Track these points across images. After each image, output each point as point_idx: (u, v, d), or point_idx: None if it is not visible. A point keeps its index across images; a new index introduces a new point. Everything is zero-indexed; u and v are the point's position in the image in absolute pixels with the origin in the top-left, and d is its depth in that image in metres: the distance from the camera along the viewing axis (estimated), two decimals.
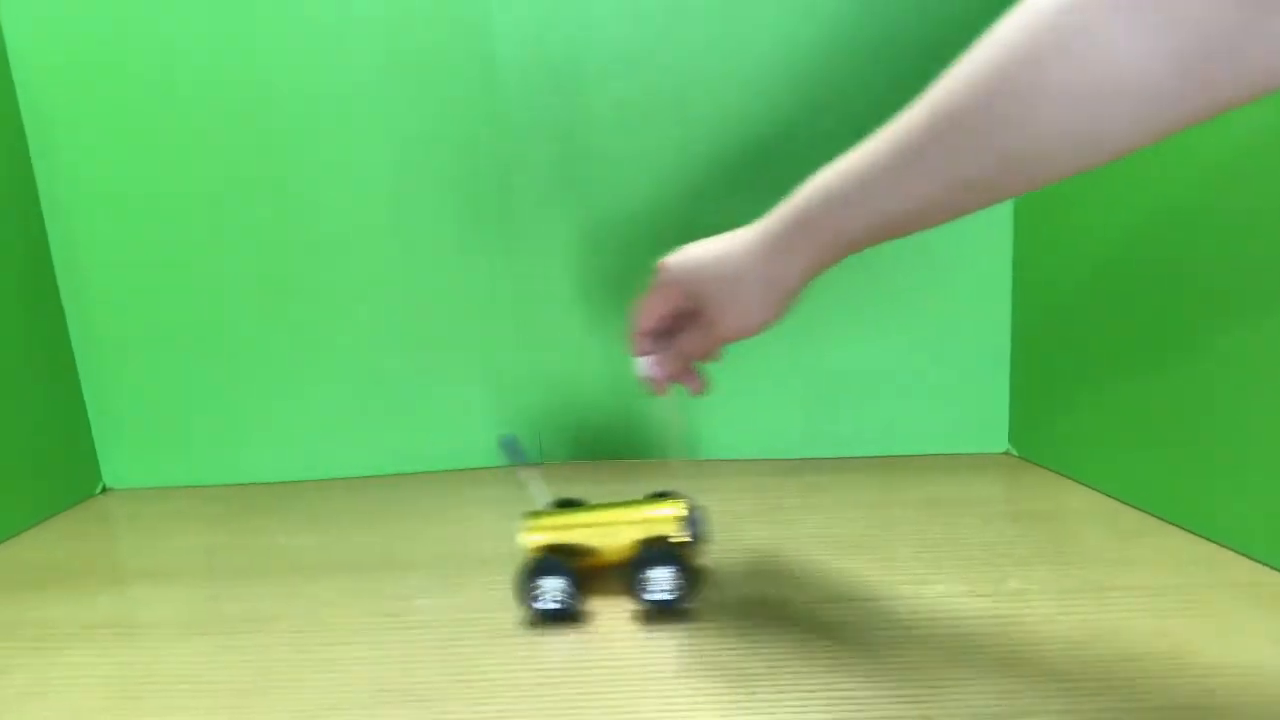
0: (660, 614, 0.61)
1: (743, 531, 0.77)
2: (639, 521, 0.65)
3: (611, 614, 0.63)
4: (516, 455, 0.69)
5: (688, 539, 0.64)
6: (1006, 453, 0.96)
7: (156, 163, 0.92)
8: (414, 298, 0.96)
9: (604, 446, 0.99)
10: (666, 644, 0.58)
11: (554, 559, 0.62)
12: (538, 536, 0.65)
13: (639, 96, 0.90)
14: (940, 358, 0.94)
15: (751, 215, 0.96)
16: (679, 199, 0.92)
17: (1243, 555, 0.66)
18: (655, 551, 0.62)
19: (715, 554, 0.72)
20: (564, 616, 0.61)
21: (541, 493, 0.69)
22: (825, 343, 0.95)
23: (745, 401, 0.97)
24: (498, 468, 0.99)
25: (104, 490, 1.00)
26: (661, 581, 0.61)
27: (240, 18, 0.89)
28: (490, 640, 0.59)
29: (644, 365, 0.63)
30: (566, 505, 0.70)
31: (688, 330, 0.60)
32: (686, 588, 0.61)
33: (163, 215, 0.94)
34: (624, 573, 0.63)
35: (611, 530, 0.65)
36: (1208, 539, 0.69)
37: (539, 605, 0.61)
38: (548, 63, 0.90)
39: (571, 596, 0.61)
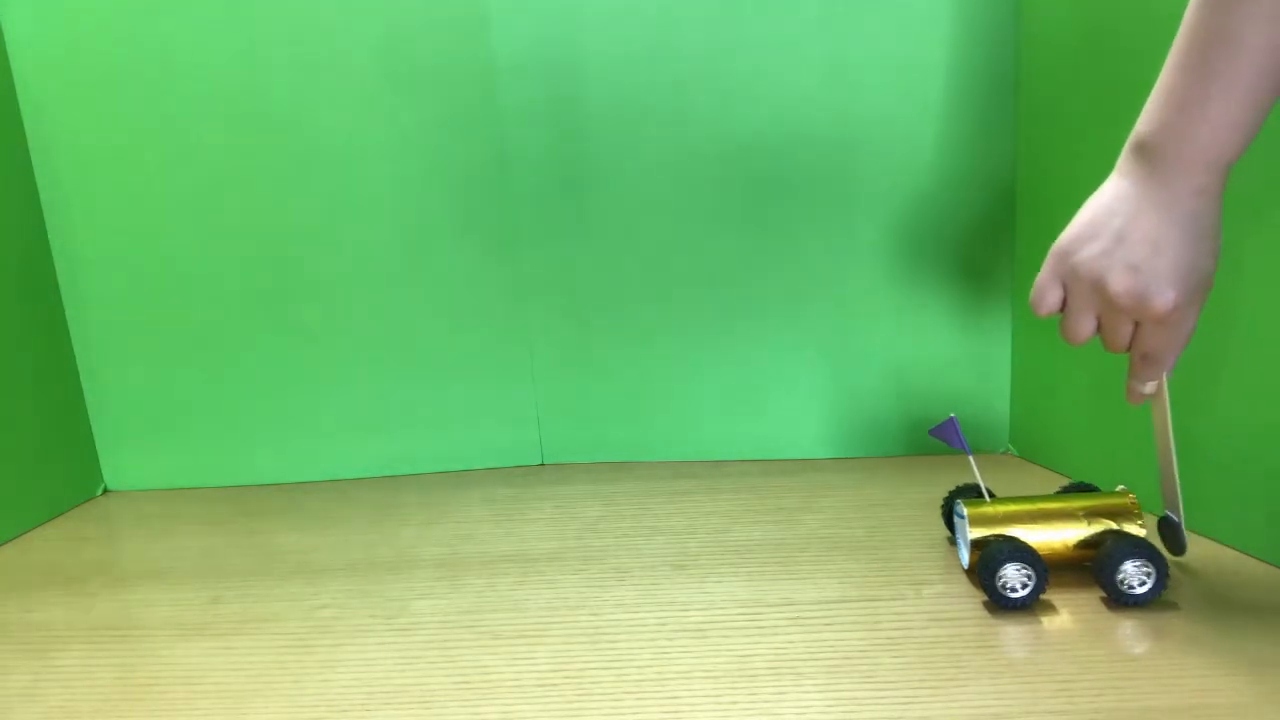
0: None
1: (743, 531, 0.77)
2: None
3: (615, 613, 0.63)
4: (955, 439, 0.67)
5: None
6: (1007, 452, 0.96)
7: (156, 163, 0.92)
8: (413, 298, 0.96)
9: (608, 446, 0.99)
10: (667, 644, 0.58)
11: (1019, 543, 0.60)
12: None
13: (639, 96, 0.90)
14: (941, 359, 0.94)
15: (750, 215, 0.96)
16: (678, 198, 0.92)
17: (1243, 553, 0.66)
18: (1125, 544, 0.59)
19: (716, 555, 0.72)
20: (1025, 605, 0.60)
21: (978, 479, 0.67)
22: (826, 344, 0.95)
23: (746, 401, 0.97)
24: (497, 468, 0.99)
25: (105, 491, 1.00)
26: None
27: (240, 19, 0.89)
28: (490, 641, 0.60)
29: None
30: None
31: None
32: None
33: (163, 215, 0.93)
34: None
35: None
36: (1208, 537, 0.69)
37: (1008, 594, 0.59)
38: (548, 63, 0.90)
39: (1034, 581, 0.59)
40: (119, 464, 1.00)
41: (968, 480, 0.71)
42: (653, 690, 0.53)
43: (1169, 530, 0.64)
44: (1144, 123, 0.53)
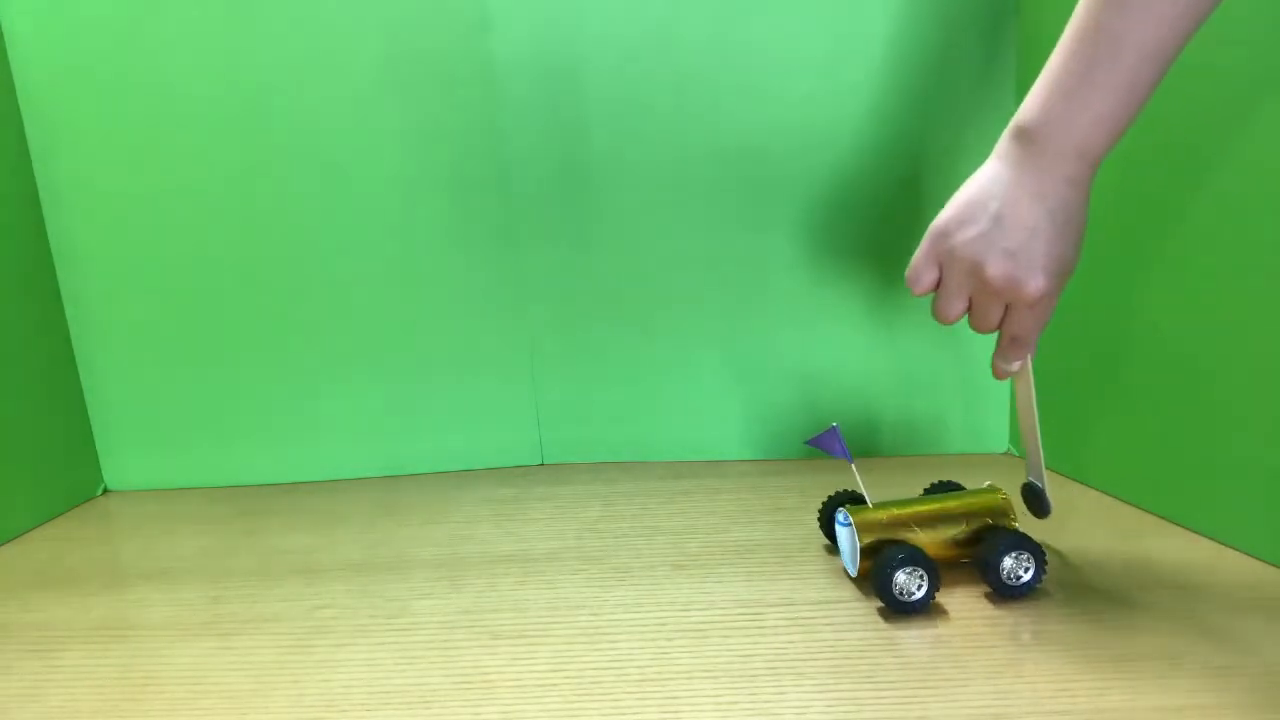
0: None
1: (743, 531, 0.77)
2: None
3: (615, 613, 0.63)
4: (836, 448, 0.66)
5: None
6: (1007, 453, 0.96)
7: (156, 163, 0.92)
8: (414, 298, 0.96)
9: (608, 446, 0.99)
10: (667, 644, 0.58)
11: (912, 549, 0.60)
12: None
13: (639, 96, 0.90)
14: (942, 360, 0.94)
15: (751, 214, 0.96)
16: (678, 198, 0.92)
17: (1243, 553, 0.66)
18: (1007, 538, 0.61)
19: (716, 555, 0.72)
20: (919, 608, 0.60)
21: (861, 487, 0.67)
22: (827, 344, 0.95)
23: (747, 402, 0.97)
24: (497, 468, 0.99)
25: (105, 491, 1.00)
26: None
27: (240, 19, 0.89)
28: (490, 641, 0.60)
29: None
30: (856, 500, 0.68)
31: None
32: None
33: (163, 216, 0.93)
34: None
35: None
36: (1208, 537, 0.69)
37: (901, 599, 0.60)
38: (548, 63, 0.90)
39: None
40: (119, 464, 1.00)
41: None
42: (653, 690, 0.53)
43: (1032, 496, 0.67)
44: (1026, 109, 0.54)
